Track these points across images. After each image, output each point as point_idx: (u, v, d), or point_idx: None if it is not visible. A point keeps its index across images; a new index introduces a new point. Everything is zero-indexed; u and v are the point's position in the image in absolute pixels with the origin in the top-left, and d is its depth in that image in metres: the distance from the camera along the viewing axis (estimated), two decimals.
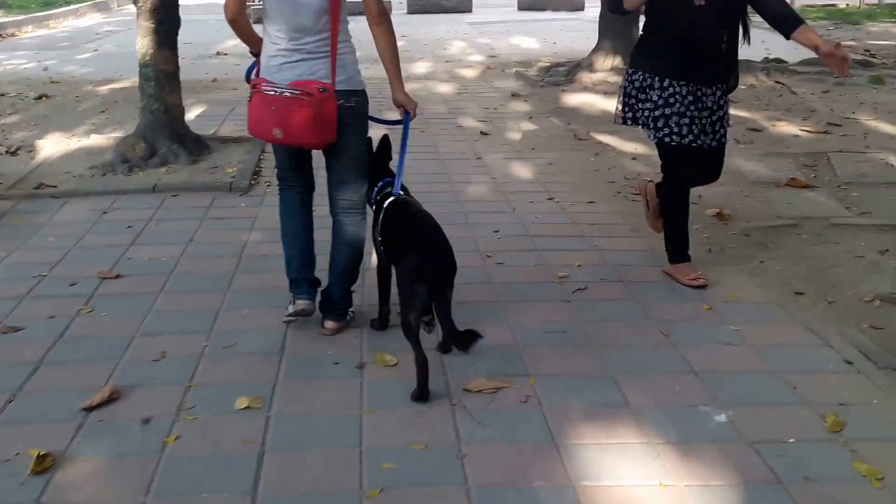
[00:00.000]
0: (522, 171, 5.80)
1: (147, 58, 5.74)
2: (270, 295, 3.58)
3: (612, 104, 8.13)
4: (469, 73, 9.89)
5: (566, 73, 9.05)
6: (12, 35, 13.87)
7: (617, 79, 8.53)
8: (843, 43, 11.97)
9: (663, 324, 3.37)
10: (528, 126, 7.15)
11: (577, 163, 6.01)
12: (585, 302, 3.60)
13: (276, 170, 3.34)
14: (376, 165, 3.25)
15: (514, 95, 8.40)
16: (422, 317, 2.80)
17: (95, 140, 6.38)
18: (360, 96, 3.10)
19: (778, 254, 4.22)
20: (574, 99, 8.09)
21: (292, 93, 2.92)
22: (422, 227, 2.96)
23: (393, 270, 3.08)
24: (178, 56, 5.97)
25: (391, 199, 3.10)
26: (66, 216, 4.77)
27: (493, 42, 12.44)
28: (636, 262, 4.08)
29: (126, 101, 7.99)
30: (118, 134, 6.43)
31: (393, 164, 3.32)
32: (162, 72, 5.78)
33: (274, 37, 3.01)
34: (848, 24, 14.09)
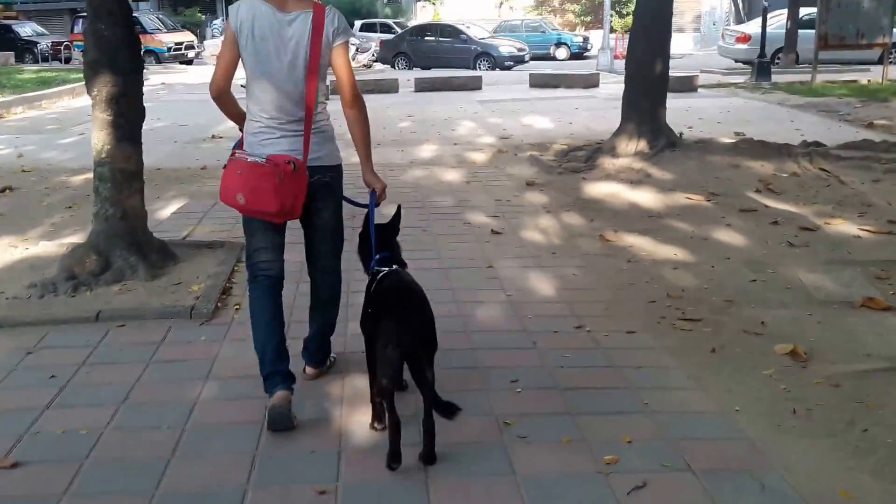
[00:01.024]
0: (542, 284, 4.88)
1: (103, 155, 4.91)
2: (215, 499, 2.63)
3: (640, 195, 7.50)
4: (479, 157, 9.09)
5: (586, 158, 8.21)
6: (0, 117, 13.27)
7: (642, 165, 7.70)
8: (875, 123, 11.38)
9: None
10: (546, 223, 6.27)
11: (607, 273, 5.09)
12: None
13: (245, 257, 3.40)
14: (380, 238, 3.26)
15: (530, 184, 7.55)
16: (395, 382, 2.83)
17: (44, 248, 5.50)
18: (335, 171, 3.25)
19: (883, 415, 3.24)
20: (597, 189, 7.22)
21: (260, 160, 3.03)
22: (403, 296, 2.97)
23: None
24: (141, 152, 5.15)
25: (386, 269, 3.12)
26: None
27: (505, 122, 11.70)
28: (706, 435, 3.10)
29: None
30: (76, 239, 5.57)
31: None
32: (120, 171, 4.94)
33: (256, 114, 3.15)
34: (875, 101, 13.33)
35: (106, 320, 4.25)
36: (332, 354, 3.62)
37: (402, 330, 2.78)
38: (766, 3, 16.39)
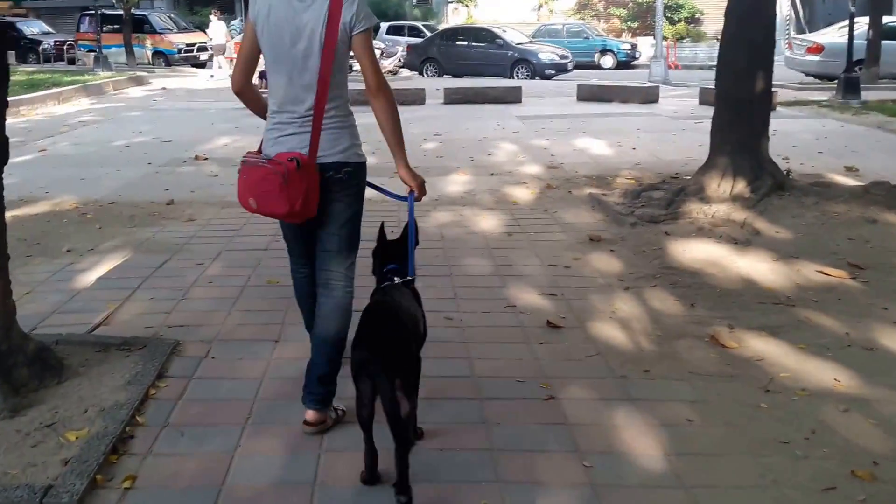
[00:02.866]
0: (634, 437, 2.99)
1: None
2: None
3: (752, 265, 5.05)
4: (523, 194, 7.16)
5: (666, 202, 6.23)
6: None
7: (745, 216, 5.73)
8: None
9: None
10: (626, 308, 4.34)
11: (737, 417, 3.18)
12: None
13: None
14: (392, 249, 3.06)
15: (594, 240, 5.61)
16: (369, 412, 2.61)
17: None
18: (354, 168, 3.02)
19: None
20: (688, 251, 5.26)
21: (262, 162, 2.92)
22: (376, 320, 2.72)
23: None
24: (2, 210, 3.32)
25: (385, 283, 2.96)
26: None
27: (553, 145, 9.73)
28: None
29: (19, 242, 5.40)
30: None
31: None
32: None
33: (272, 110, 3.02)
34: None
35: None
36: (341, 407, 3.12)
37: (357, 345, 2.62)
38: (852, 8, 14.21)
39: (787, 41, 23.57)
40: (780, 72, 23.36)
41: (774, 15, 6.30)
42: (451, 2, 34.33)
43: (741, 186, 6.11)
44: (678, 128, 10.80)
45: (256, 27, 2.95)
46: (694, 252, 5.23)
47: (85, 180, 7.81)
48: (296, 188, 2.85)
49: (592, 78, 21.84)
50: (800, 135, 10.18)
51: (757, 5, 6.23)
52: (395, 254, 3.06)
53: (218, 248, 5.56)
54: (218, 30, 22.54)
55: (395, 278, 2.95)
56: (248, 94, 3.15)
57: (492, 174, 8.00)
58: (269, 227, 6.04)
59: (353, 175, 3.01)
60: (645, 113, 12.65)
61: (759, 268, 4.92)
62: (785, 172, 6.45)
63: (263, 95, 3.21)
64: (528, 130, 10.99)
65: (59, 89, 15.67)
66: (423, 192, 3.09)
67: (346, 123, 3.02)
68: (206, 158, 8.90)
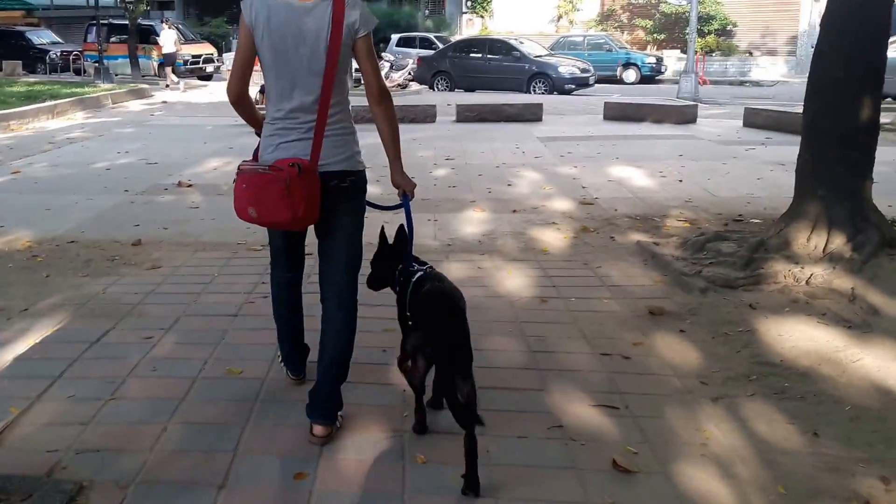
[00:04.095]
0: None
1: None
2: None
3: (884, 365, 3.34)
4: (554, 239, 5.83)
5: (743, 261, 4.88)
6: None
7: (851, 284, 4.43)
8: None
9: None
10: (720, 441, 3.03)
11: None
12: None
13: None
14: (393, 255, 3.14)
15: (655, 314, 4.27)
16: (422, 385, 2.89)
17: None
18: (356, 177, 2.97)
19: None
20: (788, 338, 3.92)
21: (262, 169, 2.83)
22: (442, 304, 2.86)
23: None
24: None
25: (419, 273, 3.01)
26: None
27: (583, 174, 8.38)
28: None
29: None
30: None
31: None
32: None
33: (272, 115, 2.93)
34: None
35: None
36: (340, 412, 3.07)
37: (434, 343, 2.74)
38: None
39: None
40: None
41: (889, 23, 4.95)
42: (466, 12, 32.96)
43: (839, 242, 4.77)
44: (726, 155, 9.44)
45: (255, 32, 2.83)
46: (795, 338, 3.89)
47: (50, 211, 6.68)
48: (298, 194, 2.77)
49: (614, 93, 20.57)
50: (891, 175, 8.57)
51: (867, 10, 4.90)
52: (397, 257, 3.15)
53: (177, 311, 4.31)
54: (167, 38, 21.63)
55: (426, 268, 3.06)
56: (245, 103, 3.00)
57: (514, 211, 6.68)
58: (247, 280, 4.81)
59: (356, 183, 2.97)
60: (683, 135, 11.27)
61: (889, 369, 3.57)
62: (891, 222, 5.11)
63: (261, 112, 3.05)
64: (552, 155, 9.65)
65: (53, 102, 14.58)
66: (413, 195, 3.12)
67: (349, 130, 2.97)
68: (189, 185, 7.67)
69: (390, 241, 3.18)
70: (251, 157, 3.01)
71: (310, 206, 2.80)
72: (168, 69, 21.69)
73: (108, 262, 5.26)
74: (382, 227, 3.11)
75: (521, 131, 11.83)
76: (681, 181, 7.85)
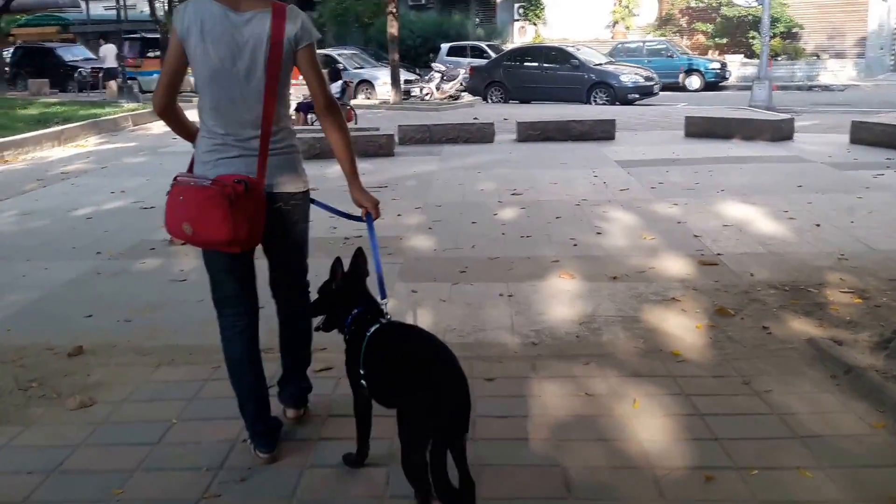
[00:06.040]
0: None
1: None
2: None
3: None
4: (682, 330, 4.17)
5: None
6: None
7: None
8: None
9: None
10: None
11: None
12: None
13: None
14: (348, 287, 2.74)
15: None
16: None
17: None
18: (300, 198, 2.89)
19: None
20: None
21: (204, 182, 2.65)
22: (432, 357, 2.45)
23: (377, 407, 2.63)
24: None
25: (375, 326, 2.62)
26: None
27: (686, 214, 6.68)
28: None
29: None
30: None
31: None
32: None
33: (209, 130, 2.77)
34: None
35: None
36: (309, 392, 3.19)
37: (444, 402, 2.33)
38: None
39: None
40: (888, 92, 20.05)
41: None
42: (518, 20, 31.26)
43: None
44: (854, 184, 7.65)
45: (187, 43, 2.68)
46: None
47: None
48: (241, 214, 2.61)
49: (680, 102, 18.84)
50: None
51: None
52: (353, 291, 2.76)
53: None
54: (108, 53, 20.66)
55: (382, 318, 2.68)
56: (172, 114, 2.83)
57: (614, 278, 5.03)
58: (227, 430, 3.09)
59: (300, 205, 2.89)
60: (787, 157, 9.44)
61: None
62: None
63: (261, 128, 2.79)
64: (640, 186, 7.96)
65: (61, 128, 13.20)
66: (378, 213, 2.90)
67: (292, 149, 2.87)
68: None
69: (345, 268, 2.76)
70: (187, 170, 2.80)
71: (254, 227, 2.68)
72: (112, 82, 20.77)
73: (21, 392, 3.56)
74: (337, 259, 2.75)
75: (593, 153, 10.16)
76: (818, 225, 6.10)
